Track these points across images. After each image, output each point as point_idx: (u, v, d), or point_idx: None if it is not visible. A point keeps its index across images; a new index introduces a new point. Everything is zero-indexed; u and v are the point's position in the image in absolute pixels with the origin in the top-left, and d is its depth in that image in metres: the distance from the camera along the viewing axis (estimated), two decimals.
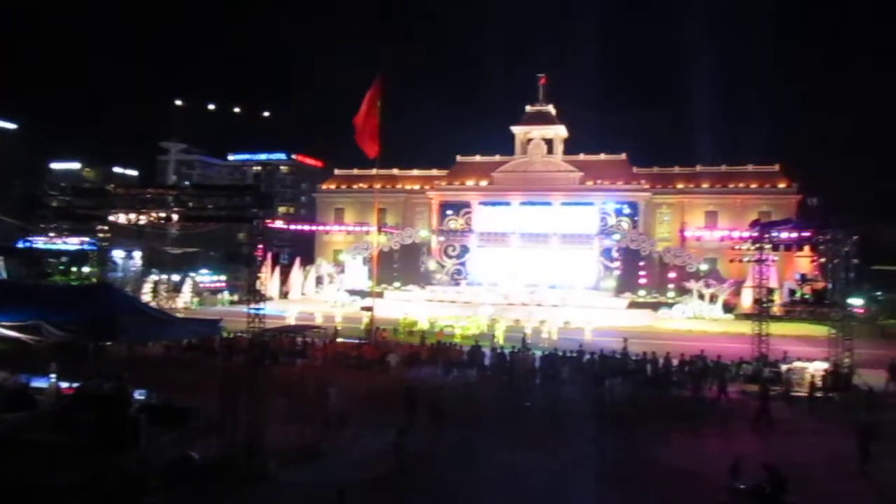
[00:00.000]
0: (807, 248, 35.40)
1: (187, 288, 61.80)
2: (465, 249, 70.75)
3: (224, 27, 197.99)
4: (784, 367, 29.20)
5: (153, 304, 49.42)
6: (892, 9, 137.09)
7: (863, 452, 17.51)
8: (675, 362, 29.92)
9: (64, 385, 18.66)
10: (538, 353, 31.80)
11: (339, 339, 36.38)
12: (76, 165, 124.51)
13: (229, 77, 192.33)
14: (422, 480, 17.03)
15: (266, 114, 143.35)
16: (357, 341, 35.79)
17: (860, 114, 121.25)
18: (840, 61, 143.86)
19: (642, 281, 60.61)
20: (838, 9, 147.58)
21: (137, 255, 68.98)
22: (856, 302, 41.80)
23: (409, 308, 50.07)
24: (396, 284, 64.98)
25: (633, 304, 56.90)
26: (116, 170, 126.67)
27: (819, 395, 27.46)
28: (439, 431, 20.40)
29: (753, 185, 67.46)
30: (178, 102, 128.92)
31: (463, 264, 70.16)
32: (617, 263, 63.90)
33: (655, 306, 55.89)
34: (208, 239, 67.59)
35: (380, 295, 53.90)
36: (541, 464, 18.52)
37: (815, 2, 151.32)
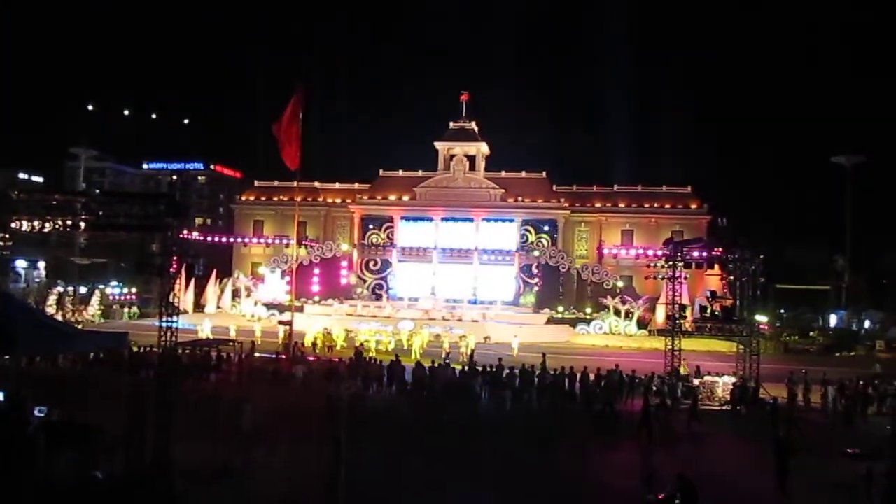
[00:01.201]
0: (716, 267, 36.83)
1: (95, 300, 59.24)
2: (386, 264, 70.44)
3: (142, 31, 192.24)
4: (696, 382, 30.11)
5: (58, 316, 47.13)
6: (799, 40, 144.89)
7: (780, 468, 17.94)
8: (592, 377, 30.40)
9: None
10: (458, 368, 31.77)
11: (257, 354, 35.51)
12: None
13: (146, 83, 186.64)
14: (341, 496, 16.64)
15: (185, 121, 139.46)
16: (274, 356, 34.99)
17: (765, 141, 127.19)
18: (747, 91, 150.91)
19: (560, 297, 61.69)
20: (748, 40, 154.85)
21: (42, 265, 65.92)
22: (761, 319, 43.64)
23: (327, 322, 49.38)
24: (316, 298, 64.05)
25: (551, 320, 57.80)
26: (21, 176, 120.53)
27: (727, 408, 28.46)
28: (359, 443, 20.01)
29: (667, 206, 69.72)
30: (90, 107, 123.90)
31: (384, 279, 69.81)
32: (536, 280, 64.91)
33: (573, 322, 56.96)
34: (118, 249, 65.18)
35: (300, 309, 53.00)
36: (459, 480, 18.42)
37: (726, 33, 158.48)
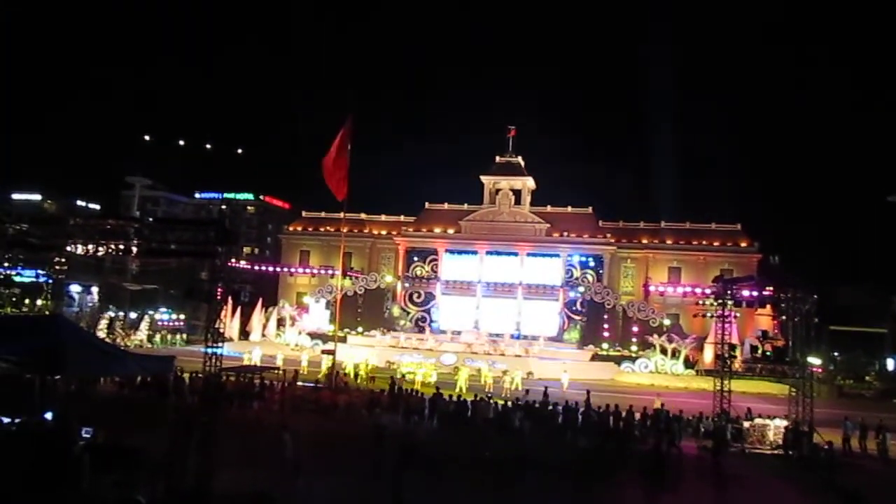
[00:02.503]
0: (768, 307, 35.84)
1: (144, 326, 60.37)
2: (430, 296, 70.46)
3: (197, 64, 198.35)
4: (746, 424, 29.18)
5: (108, 340, 48.07)
6: (853, 75, 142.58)
7: None
8: (637, 416, 29.76)
9: (5, 420, 17.78)
10: (500, 403, 31.40)
11: (299, 383, 35.65)
12: (37, 197, 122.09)
13: (199, 115, 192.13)
14: None
15: (238, 151, 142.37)
16: (315, 385, 35.06)
17: (817, 179, 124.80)
18: (799, 128, 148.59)
19: (605, 334, 60.82)
20: (801, 74, 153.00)
21: (95, 290, 67.56)
22: (814, 361, 42.28)
23: (369, 353, 49.46)
24: (359, 329, 64.26)
25: (595, 357, 56.91)
26: (79, 203, 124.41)
27: (779, 451, 27.48)
28: (408, 474, 19.72)
29: (716, 243, 68.53)
30: (146, 137, 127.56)
31: (428, 311, 69.78)
32: (581, 316, 64.16)
33: (618, 360, 55.98)
34: (168, 277, 66.47)
35: (342, 339, 53.18)
36: None
37: (779, 68, 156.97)
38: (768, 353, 32.29)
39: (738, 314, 35.38)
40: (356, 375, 42.00)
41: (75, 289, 67.85)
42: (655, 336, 56.31)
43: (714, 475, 23.46)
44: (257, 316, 64.41)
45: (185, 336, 62.44)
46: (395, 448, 20.42)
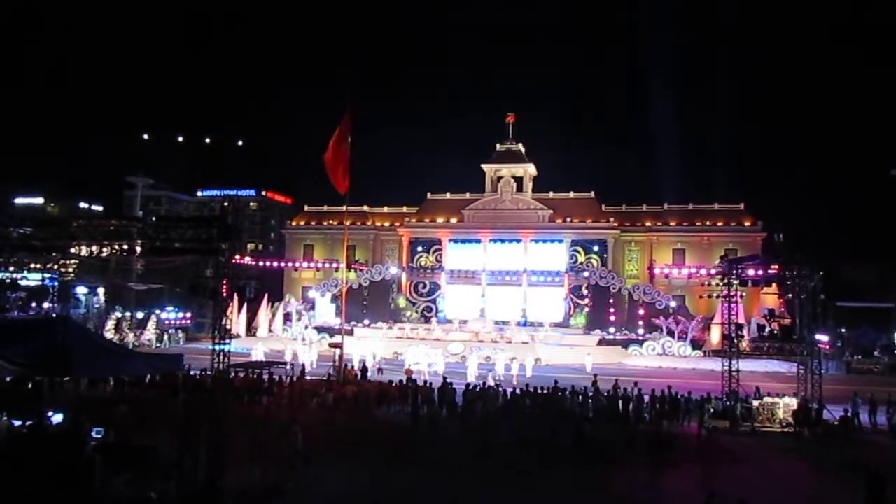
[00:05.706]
0: (773, 285, 35.71)
1: (151, 325, 60.43)
2: (435, 286, 70.47)
3: (195, 62, 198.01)
4: (755, 403, 29.15)
5: (116, 340, 48.19)
6: (855, 54, 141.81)
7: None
8: (646, 399, 29.77)
9: (16, 423, 17.87)
10: (509, 390, 31.44)
11: (308, 377, 35.73)
12: (40, 200, 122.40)
13: (198, 114, 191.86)
14: None
15: (239, 143, 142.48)
16: (325, 378, 35.14)
17: (820, 155, 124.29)
18: (801, 105, 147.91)
19: (612, 318, 60.79)
20: (802, 52, 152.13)
21: (101, 291, 67.63)
22: (822, 338, 42.18)
23: (376, 345, 49.51)
24: (366, 321, 64.31)
25: (602, 342, 56.91)
26: (82, 205, 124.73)
27: (789, 430, 27.48)
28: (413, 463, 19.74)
29: (719, 224, 68.33)
30: (146, 136, 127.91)
31: (433, 301, 69.81)
32: (586, 301, 64.14)
33: (625, 343, 55.99)
34: (174, 275, 66.48)
35: (349, 332, 53.26)
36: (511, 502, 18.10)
37: (778, 46, 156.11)
38: (775, 332, 32.13)
39: (743, 294, 35.32)
40: (364, 368, 41.99)
41: (81, 290, 67.94)
42: (661, 318, 56.28)
43: (727, 454, 23.51)
44: (263, 312, 64.45)
45: (185, 334, 62.14)
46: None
